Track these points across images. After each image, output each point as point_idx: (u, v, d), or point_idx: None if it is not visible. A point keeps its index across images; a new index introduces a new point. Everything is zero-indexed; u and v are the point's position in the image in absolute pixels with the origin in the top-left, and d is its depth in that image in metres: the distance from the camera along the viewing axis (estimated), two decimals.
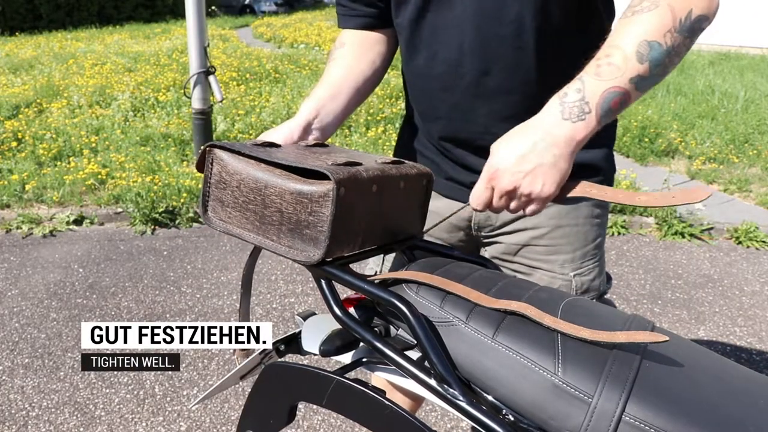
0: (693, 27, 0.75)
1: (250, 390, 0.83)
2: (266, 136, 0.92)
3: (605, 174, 1.05)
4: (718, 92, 6.84)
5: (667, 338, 0.61)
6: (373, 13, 1.05)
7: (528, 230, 1.04)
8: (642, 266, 3.19)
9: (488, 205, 0.80)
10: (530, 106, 0.90)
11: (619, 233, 3.59)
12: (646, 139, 5.02)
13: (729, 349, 2.46)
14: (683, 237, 3.53)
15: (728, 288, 2.98)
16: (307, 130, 0.95)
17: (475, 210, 0.81)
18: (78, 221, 3.54)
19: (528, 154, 0.75)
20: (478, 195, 0.80)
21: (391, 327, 0.78)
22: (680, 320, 2.66)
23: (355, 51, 1.06)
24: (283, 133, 0.92)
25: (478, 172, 1.00)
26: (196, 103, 4.12)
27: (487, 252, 1.11)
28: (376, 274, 1.03)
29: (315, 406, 2.00)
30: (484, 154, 0.98)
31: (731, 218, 3.69)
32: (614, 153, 1.08)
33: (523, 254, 1.06)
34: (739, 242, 3.49)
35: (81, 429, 1.91)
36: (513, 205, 0.79)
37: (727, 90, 6.94)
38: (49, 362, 2.24)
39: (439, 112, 1.02)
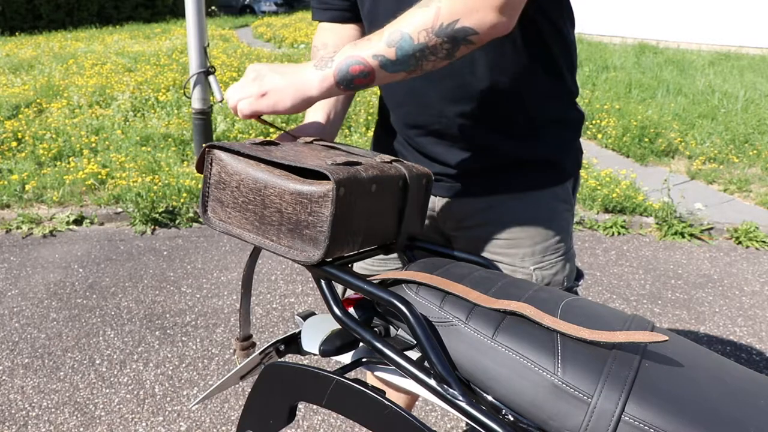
0: (455, 35, 0.78)
1: (250, 390, 0.83)
2: (302, 128, 0.99)
3: (563, 170, 1.06)
4: (718, 92, 6.84)
5: (667, 338, 0.61)
6: (347, 6, 1.08)
7: (489, 225, 1.06)
8: (642, 266, 3.19)
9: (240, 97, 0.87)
10: (477, 90, 0.97)
11: (619, 233, 3.59)
12: (646, 139, 5.02)
13: (729, 349, 2.46)
14: (683, 237, 3.53)
15: (728, 288, 2.98)
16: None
17: (225, 101, 0.88)
18: (78, 221, 3.54)
19: (276, 68, 0.86)
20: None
21: (391, 327, 0.78)
22: (680, 320, 2.66)
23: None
24: (308, 130, 0.99)
25: (440, 162, 1.06)
26: (196, 103, 4.12)
27: (453, 246, 1.13)
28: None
29: (315, 406, 2.00)
30: (442, 140, 1.04)
31: (731, 218, 3.69)
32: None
33: (485, 248, 1.08)
34: (739, 242, 3.49)
35: (81, 429, 1.91)
36: (250, 91, 0.85)
37: (727, 90, 6.94)
38: (49, 362, 2.24)
39: (398, 97, 1.06)
